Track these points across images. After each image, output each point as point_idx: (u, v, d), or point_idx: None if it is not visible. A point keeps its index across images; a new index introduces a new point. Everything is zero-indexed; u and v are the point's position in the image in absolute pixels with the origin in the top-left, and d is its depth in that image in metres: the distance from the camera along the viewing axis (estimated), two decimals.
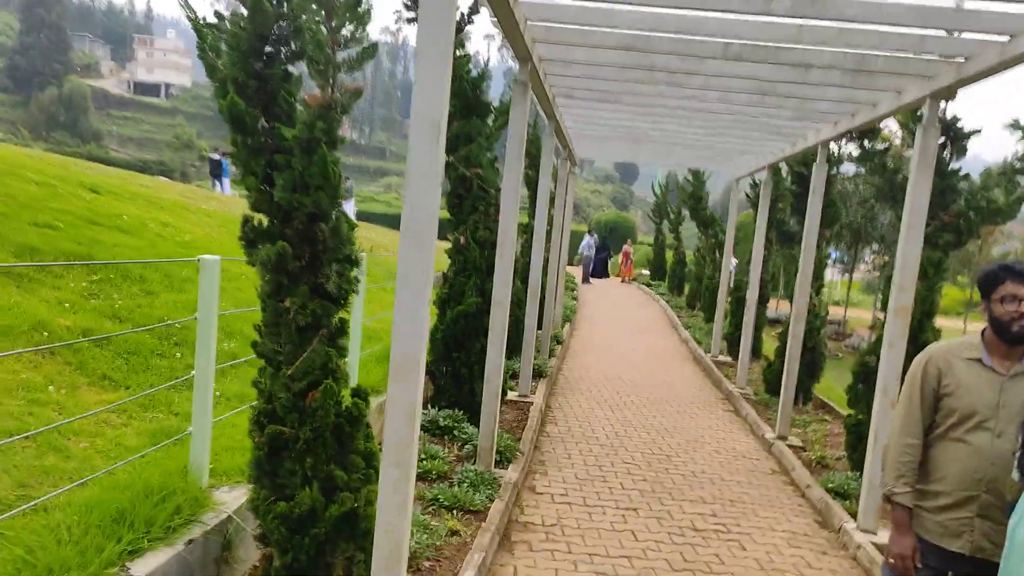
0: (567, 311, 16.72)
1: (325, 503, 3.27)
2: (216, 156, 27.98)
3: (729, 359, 13.51)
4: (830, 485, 6.59)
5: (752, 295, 11.21)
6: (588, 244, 29.99)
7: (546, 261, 11.48)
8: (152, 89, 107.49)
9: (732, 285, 14.30)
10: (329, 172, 3.06)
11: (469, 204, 7.16)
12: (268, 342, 3.34)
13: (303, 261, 3.25)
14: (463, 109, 7.02)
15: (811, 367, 10.03)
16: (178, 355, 5.75)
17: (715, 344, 13.80)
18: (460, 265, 7.17)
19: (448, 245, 7.28)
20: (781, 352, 10.40)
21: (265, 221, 3.30)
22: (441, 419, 6.71)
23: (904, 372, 3.66)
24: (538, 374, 9.90)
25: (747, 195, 15.04)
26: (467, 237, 7.14)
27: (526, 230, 10.84)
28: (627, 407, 9.47)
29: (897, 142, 20.23)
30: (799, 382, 8.88)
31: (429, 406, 6.99)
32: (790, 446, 8.05)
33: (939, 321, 7.08)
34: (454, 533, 4.73)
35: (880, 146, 7.51)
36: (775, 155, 10.22)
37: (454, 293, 7.16)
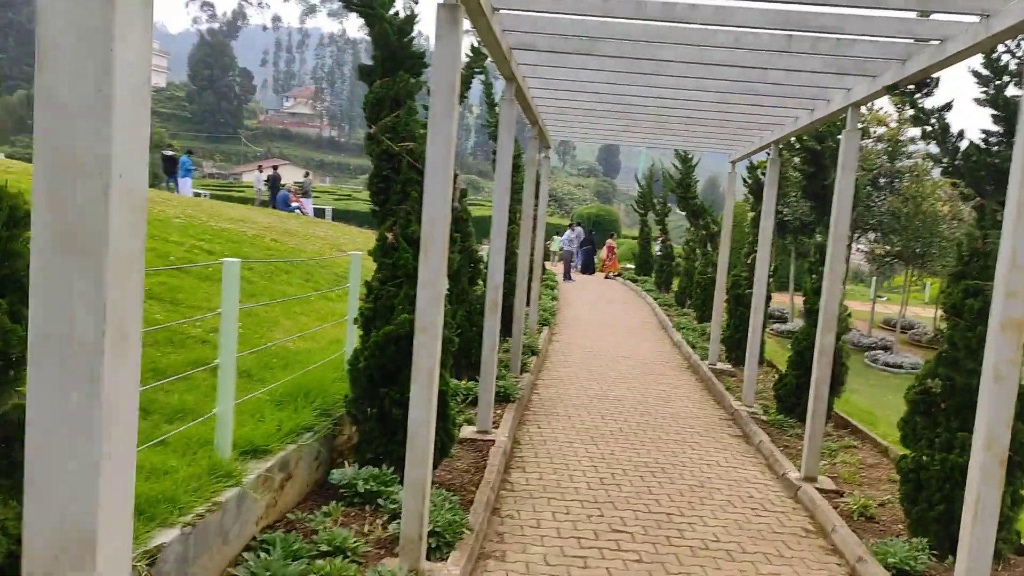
0: (545, 314, 14.94)
1: None
2: (169, 152, 26.02)
3: (729, 366, 11.78)
4: (891, 560, 4.86)
5: (759, 296, 9.44)
6: (568, 239, 28.25)
7: (514, 256, 9.69)
8: None
9: (728, 283, 12.56)
10: None
11: (398, 189, 5.37)
12: None
13: None
14: (386, 62, 5.25)
15: (832, 380, 8.32)
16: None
17: (713, 350, 12.06)
18: (388, 272, 5.37)
19: (373, 244, 5.50)
20: (795, 363, 8.70)
21: None
22: (361, 482, 4.91)
23: None
24: (505, 398, 8.12)
25: (744, 180, 13.31)
26: (396, 233, 5.34)
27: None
28: (614, 437, 7.70)
29: (892, 125, 18.40)
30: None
31: (346, 463, 5.20)
32: (821, 490, 6.33)
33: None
34: None
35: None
36: (786, 127, 8.48)
37: (381, 308, 5.35)
